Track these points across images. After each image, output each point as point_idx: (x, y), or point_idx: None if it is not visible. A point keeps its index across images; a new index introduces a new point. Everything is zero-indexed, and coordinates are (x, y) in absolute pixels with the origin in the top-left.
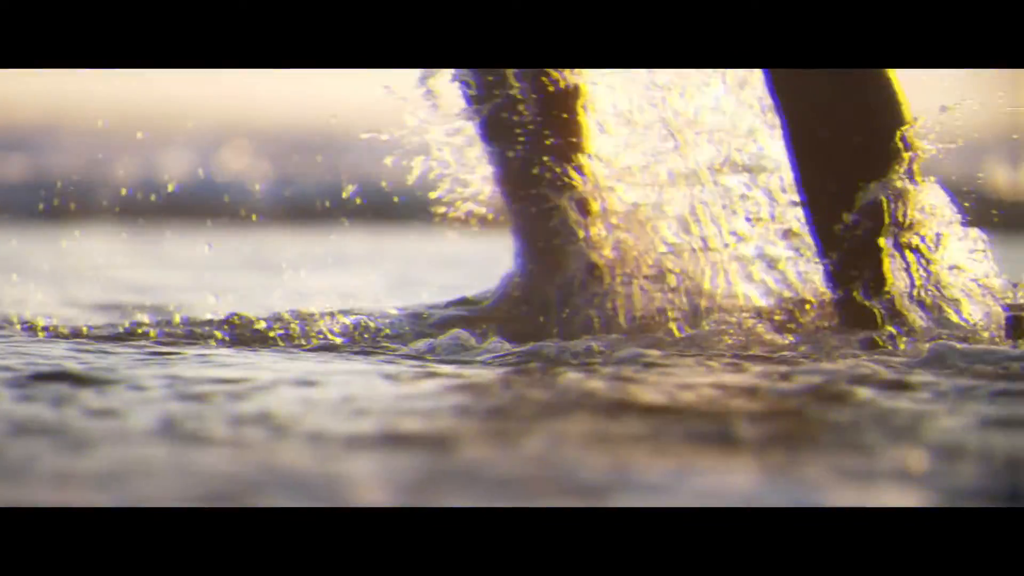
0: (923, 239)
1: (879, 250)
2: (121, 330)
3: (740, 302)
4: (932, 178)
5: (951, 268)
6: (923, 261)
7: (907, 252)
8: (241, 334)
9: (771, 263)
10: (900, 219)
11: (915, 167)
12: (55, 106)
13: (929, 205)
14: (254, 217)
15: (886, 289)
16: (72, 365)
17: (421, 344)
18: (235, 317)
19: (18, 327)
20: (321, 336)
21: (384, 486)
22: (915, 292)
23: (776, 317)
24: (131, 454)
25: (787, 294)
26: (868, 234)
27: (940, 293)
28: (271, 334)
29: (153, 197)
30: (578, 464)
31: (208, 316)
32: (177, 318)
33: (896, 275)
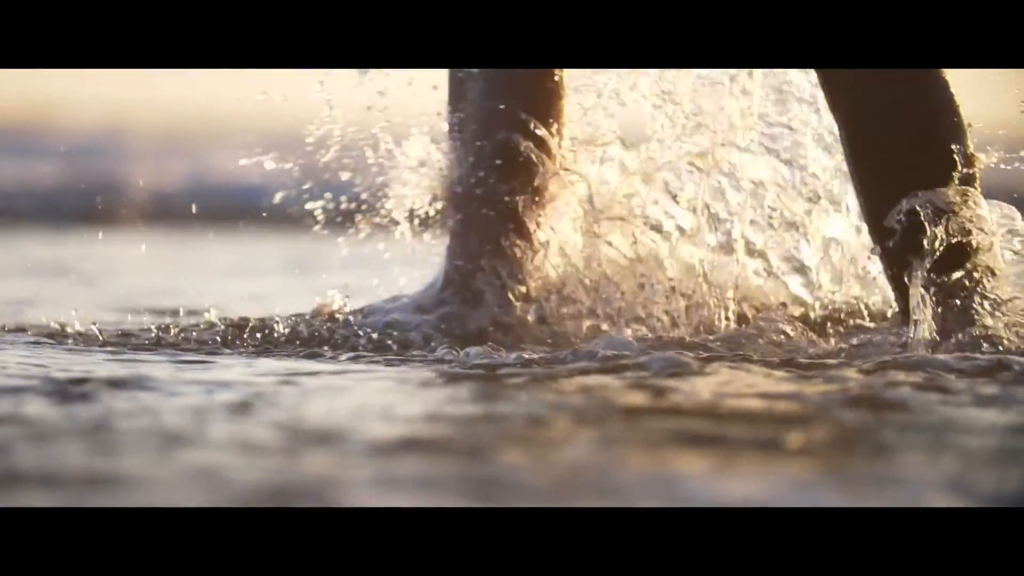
0: (968, 273)
1: (906, 288)
2: (151, 337)
3: (757, 307)
4: (977, 191)
5: (1004, 305)
6: (955, 303)
7: (937, 292)
8: (268, 338)
9: (798, 268)
10: (945, 236)
11: (975, 177)
12: (90, 110)
13: (983, 222)
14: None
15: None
16: (103, 371)
17: (445, 349)
18: (260, 321)
19: (51, 332)
20: (347, 341)
21: (415, 492)
22: (939, 342)
23: (813, 321)
24: (159, 459)
25: (809, 300)
26: (905, 254)
27: (986, 337)
28: (298, 339)
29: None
30: (615, 470)
31: (234, 321)
32: (207, 323)
33: (924, 318)
